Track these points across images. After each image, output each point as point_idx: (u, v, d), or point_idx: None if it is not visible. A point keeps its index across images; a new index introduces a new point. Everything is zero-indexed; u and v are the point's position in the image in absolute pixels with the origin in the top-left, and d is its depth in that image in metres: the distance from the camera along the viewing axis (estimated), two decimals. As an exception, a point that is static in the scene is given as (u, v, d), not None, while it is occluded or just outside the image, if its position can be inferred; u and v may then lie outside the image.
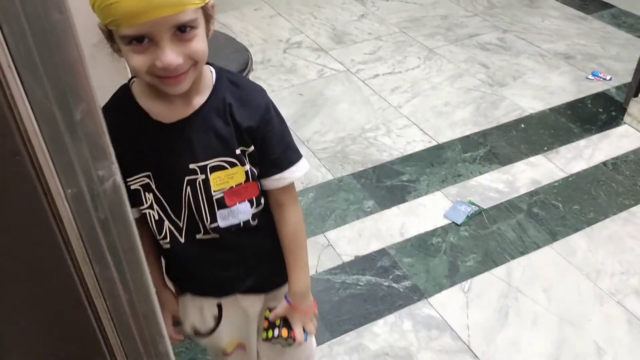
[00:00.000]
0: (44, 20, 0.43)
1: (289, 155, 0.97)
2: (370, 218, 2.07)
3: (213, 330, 1.09)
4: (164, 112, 0.89)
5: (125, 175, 0.89)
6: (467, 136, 2.48)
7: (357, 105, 2.70)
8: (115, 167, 0.53)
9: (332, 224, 2.04)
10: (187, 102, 0.89)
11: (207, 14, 0.83)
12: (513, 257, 1.90)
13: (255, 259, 1.04)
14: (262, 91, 0.96)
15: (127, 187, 0.90)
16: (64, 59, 0.45)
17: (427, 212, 2.09)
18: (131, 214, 0.57)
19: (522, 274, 1.84)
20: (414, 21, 3.41)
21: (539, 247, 1.93)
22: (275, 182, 0.97)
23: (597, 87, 2.75)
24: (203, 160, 0.90)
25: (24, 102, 0.47)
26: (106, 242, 0.56)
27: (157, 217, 0.94)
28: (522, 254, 1.91)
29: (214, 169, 0.91)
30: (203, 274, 1.03)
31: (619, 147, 2.37)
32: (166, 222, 0.95)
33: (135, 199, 0.92)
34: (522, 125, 2.53)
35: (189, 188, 0.91)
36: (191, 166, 0.90)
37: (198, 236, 0.96)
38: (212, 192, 0.92)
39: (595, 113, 2.58)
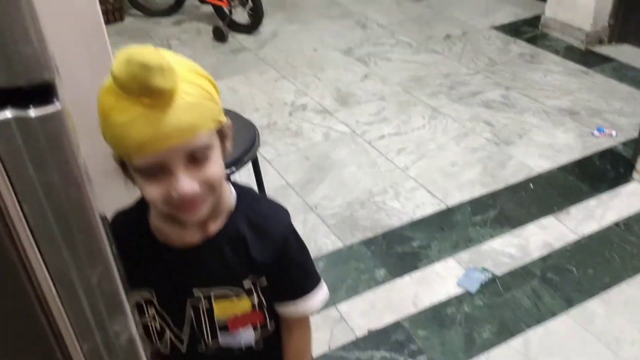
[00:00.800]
0: (62, 195, 0.44)
1: (305, 285, 0.93)
2: (383, 288, 2.05)
3: None
4: (175, 236, 0.87)
5: (130, 285, 0.87)
6: (477, 198, 2.47)
7: (364, 168, 2.71)
8: (131, 320, 0.53)
9: (344, 295, 2.01)
10: (201, 228, 0.86)
11: (223, 134, 0.80)
12: (529, 327, 1.86)
13: None
14: (280, 219, 0.91)
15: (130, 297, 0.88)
16: (80, 229, 0.46)
17: (440, 280, 2.07)
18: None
19: (539, 344, 1.80)
20: (417, 80, 3.46)
21: (555, 314, 1.90)
22: (287, 310, 0.94)
23: (604, 143, 2.76)
24: (208, 287, 0.88)
25: (42, 269, 0.47)
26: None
27: (158, 328, 0.93)
28: (539, 322, 1.87)
29: (219, 297, 0.88)
30: None
31: (629, 206, 2.35)
32: (167, 333, 0.93)
33: (139, 310, 0.91)
34: (531, 186, 2.52)
35: (191, 311, 0.90)
36: (195, 292, 0.88)
37: (200, 350, 0.93)
38: (215, 318, 0.90)
39: (603, 170, 2.58)
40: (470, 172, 2.64)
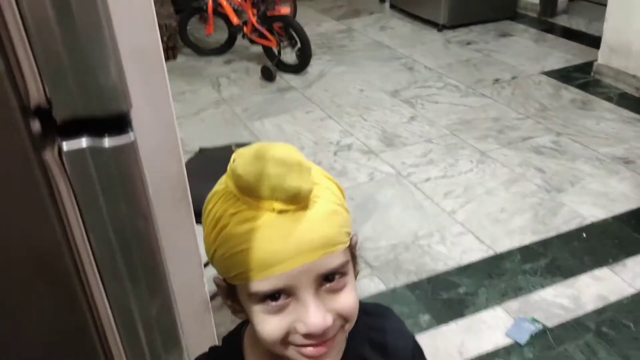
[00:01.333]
0: (129, 227, 0.44)
1: None
2: (427, 334, 1.98)
3: None
4: None
5: None
6: (527, 246, 2.39)
7: (410, 211, 2.67)
8: (186, 355, 0.52)
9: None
10: None
11: (353, 253, 0.66)
12: (584, 385, 1.76)
13: None
14: (406, 331, 0.79)
15: None
16: (144, 261, 0.46)
17: (487, 329, 1.99)
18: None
19: (595, 405, 1.70)
20: (465, 123, 3.43)
21: (612, 373, 1.79)
22: None
23: (662, 193, 2.65)
24: None
25: (103, 299, 0.47)
26: None
27: None
28: (594, 381, 1.77)
29: None
30: None
31: (691, 260, 2.23)
32: None
33: None
34: (584, 235, 2.43)
35: None
36: None
37: None
38: None
39: (661, 222, 2.47)
40: (520, 219, 2.56)
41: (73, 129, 0.39)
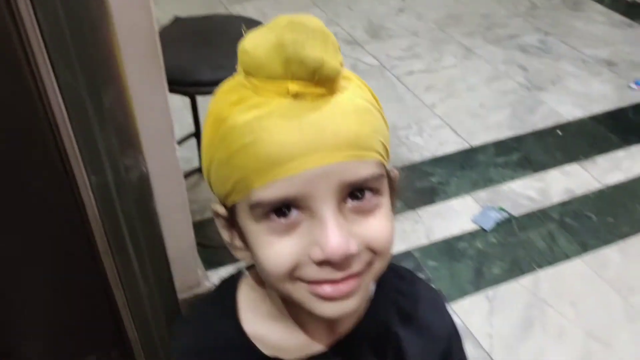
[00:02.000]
0: (80, 5, 0.41)
1: None
2: (397, 218, 2.03)
3: None
4: (288, 343, 0.55)
5: None
6: (502, 140, 2.42)
7: (391, 103, 2.65)
8: (142, 158, 0.52)
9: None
10: (329, 324, 0.55)
11: (392, 185, 0.52)
12: (541, 267, 1.84)
13: None
14: (443, 306, 0.65)
15: None
16: (97, 47, 0.44)
17: (456, 215, 2.05)
18: (155, 206, 0.56)
19: (549, 285, 1.79)
20: (453, 18, 3.34)
21: (568, 258, 1.88)
22: None
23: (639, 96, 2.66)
24: None
25: (53, 86, 0.45)
26: (129, 233, 0.54)
27: None
28: (551, 264, 1.86)
29: None
30: None
31: (659, 161, 2.28)
32: None
33: None
34: (559, 132, 2.46)
35: None
36: None
37: None
38: None
39: (636, 124, 2.49)
40: (498, 115, 2.57)
41: None
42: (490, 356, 1.60)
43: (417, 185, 2.19)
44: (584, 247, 1.91)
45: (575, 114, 2.56)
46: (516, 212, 2.06)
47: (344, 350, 0.55)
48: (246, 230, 0.47)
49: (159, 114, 1.14)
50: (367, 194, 0.46)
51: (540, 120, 2.52)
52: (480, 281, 1.80)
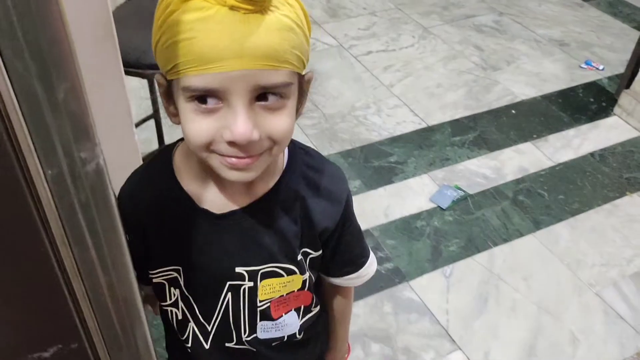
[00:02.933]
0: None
1: (364, 249, 0.83)
2: (356, 198, 2.06)
3: None
4: (214, 199, 0.69)
5: (150, 266, 0.73)
6: (458, 120, 2.46)
7: (349, 82, 2.66)
8: (99, 149, 0.51)
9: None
10: (247, 188, 0.68)
11: (302, 87, 0.64)
12: (496, 244, 1.91)
13: None
14: (343, 178, 0.77)
15: (150, 279, 0.74)
16: (48, 35, 0.43)
17: (413, 194, 2.09)
18: (113, 196, 0.55)
19: (503, 261, 1.85)
20: (411, -2, 3.36)
21: (522, 235, 1.94)
22: (348, 281, 0.82)
23: (590, 76, 2.74)
24: (255, 265, 0.71)
25: (3, 77, 0.44)
26: (86, 223, 0.53)
27: (180, 317, 0.77)
28: (505, 241, 1.92)
29: (266, 275, 0.72)
30: None
31: (607, 139, 2.37)
32: (191, 324, 0.77)
33: (157, 292, 0.77)
34: (513, 111, 2.52)
35: (229, 294, 0.73)
36: (238, 270, 0.71)
37: (228, 344, 0.78)
38: (258, 301, 0.73)
39: (586, 103, 2.58)
40: (455, 94, 2.61)
41: None
42: (447, 331, 1.65)
43: (376, 164, 2.22)
44: (537, 224, 1.98)
45: (529, 93, 2.63)
46: (472, 190, 2.11)
47: (261, 208, 0.69)
48: (177, 103, 0.60)
49: (115, 98, 1.11)
50: (275, 97, 0.58)
51: (495, 100, 2.58)
52: (437, 259, 1.85)
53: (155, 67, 1.55)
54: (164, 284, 0.74)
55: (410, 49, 2.93)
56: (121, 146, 1.16)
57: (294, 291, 0.75)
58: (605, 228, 1.98)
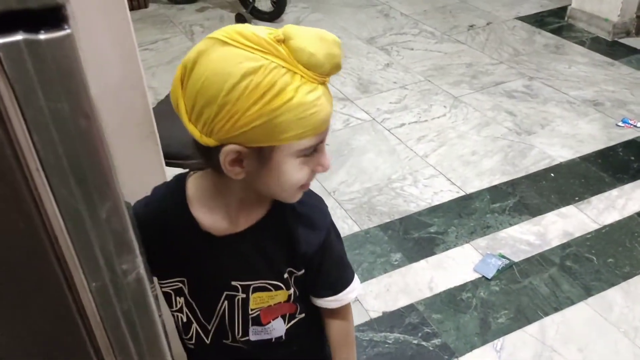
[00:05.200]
0: (72, 126, 0.44)
1: (344, 277, 0.92)
2: (398, 272, 2.04)
3: None
4: (216, 224, 0.82)
5: (158, 276, 0.87)
6: (496, 186, 2.45)
7: (384, 155, 2.70)
8: (139, 260, 0.54)
9: (359, 278, 2.00)
10: (245, 215, 0.82)
11: None
12: (546, 314, 1.84)
13: None
14: (324, 210, 0.89)
15: (160, 287, 0.89)
16: (91, 162, 0.47)
17: (456, 265, 2.05)
18: (153, 303, 0.58)
19: (556, 331, 1.78)
20: (439, 69, 3.43)
21: (573, 302, 1.87)
22: (327, 303, 0.93)
23: (628, 134, 2.71)
24: (247, 280, 0.85)
25: (51, 203, 0.48)
26: (129, 332, 0.56)
27: (185, 320, 0.91)
28: (556, 310, 1.85)
29: (257, 289, 0.86)
30: None
31: (653, 197, 2.31)
32: (194, 325, 0.91)
33: (165, 299, 0.90)
34: (552, 175, 2.49)
35: (226, 302, 0.87)
36: (233, 283, 0.85)
37: (225, 341, 0.92)
38: (250, 310, 0.87)
39: (626, 161, 2.53)
40: (491, 161, 2.61)
41: (8, 25, 0.40)
42: (502, 410, 1.57)
43: (415, 236, 2.21)
44: (588, 291, 1.91)
45: (566, 155, 2.60)
46: (516, 258, 2.06)
47: (255, 233, 0.82)
48: (280, 162, 0.72)
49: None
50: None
51: (532, 164, 2.56)
52: (486, 332, 1.79)
53: (191, 157, 1.60)
54: (171, 294, 0.88)
55: (443, 118, 2.97)
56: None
57: (280, 302, 0.88)
58: (661, 291, 1.89)
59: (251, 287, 0.85)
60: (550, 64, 3.38)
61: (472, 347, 1.74)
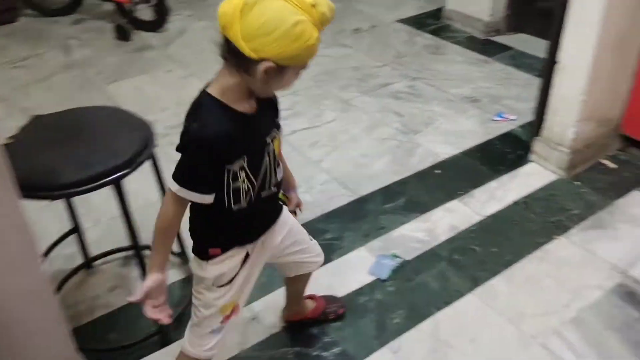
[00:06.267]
0: None
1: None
2: (296, 282, 2.03)
3: (234, 278, 1.36)
4: (247, 108, 1.19)
5: (230, 162, 1.18)
6: (387, 187, 2.52)
7: (277, 164, 2.69)
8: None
9: (257, 293, 1.98)
10: (252, 100, 1.20)
11: None
12: (439, 309, 1.91)
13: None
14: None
15: (230, 171, 1.19)
16: None
17: (353, 270, 2.09)
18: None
19: (448, 325, 1.86)
20: (328, 74, 3.48)
21: (462, 295, 1.96)
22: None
23: (503, 127, 2.89)
24: (270, 135, 1.27)
25: None
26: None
27: (246, 188, 1.23)
28: (447, 304, 1.93)
29: (273, 138, 1.28)
30: (260, 222, 1.38)
31: (528, 186, 2.47)
32: (250, 189, 1.24)
33: (234, 178, 1.20)
34: (437, 171, 2.60)
35: (266, 155, 1.25)
36: (266, 139, 1.25)
37: (263, 194, 1.29)
38: (275, 154, 1.29)
39: (503, 153, 2.70)
40: (381, 162, 2.68)
41: None
42: (402, 409, 1.61)
43: (313, 244, 2.21)
44: (474, 281, 2.01)
45: (450, 151, 2.73)
46: (409, 256, 2.13)
47: (261, 109, 1.22)
48: (287, 75, 1.12)
49: (14, 234, 1.08)
50: None
51: (419, 162, 2.66)
52: (383, 334, 1.83)
53: (64, 187, 1.49)
54: (237, 171, 1.19)
55: (334, 122, 3.01)
56: (27, 283, 1.11)
57: (279, 148, 1.32)
58: (539, 276, 2.03)
59: (273, 138, 1.27)
60: (431, 64, 3.53)
61: (370, 352, 1.77)
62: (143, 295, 1.21)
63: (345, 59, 3.65)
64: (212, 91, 1.15)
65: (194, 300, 1.38)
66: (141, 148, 1.56)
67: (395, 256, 2.12)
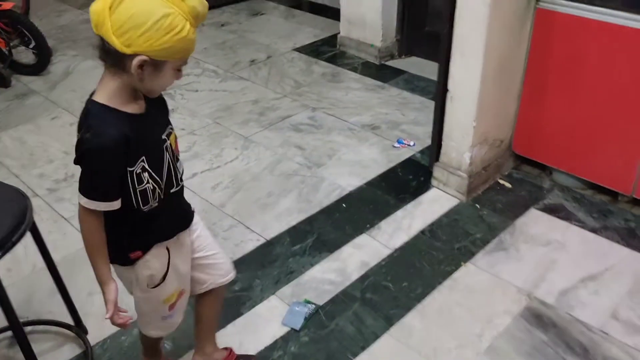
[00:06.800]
0: None
1: None
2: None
3: (165, 276, 1.40)
4: (137, 108, 1.22)
5: (130, 165, 1.21)
6: (294, 226, 2.46)
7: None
8: None
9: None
10: (140, 100, 1.24)
11: None
12: (355, 355, 1.86)
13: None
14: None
15: (132, 174, 1.22)
16: None
17: (264, 322, 2.00)
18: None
19: (366, 371, 1.81)
20: (226, 109, 3.39)
21: (377, 336, 1.93)
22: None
23: (404, 154, 2.92)
24: (165, 131, 1.30)
25: None
26: None
27: (152, 187, 1.26)
28: (363, 348, 1.89)
29: (169, 134, 1.31)
30: (173, 217, 1.41)
31: (432, 212, 2.50)
32: (157, 190, 1.28)
33: (139, 180, 1.23)
34: (344, 205, 2.58)
35: (165, 153, 1.29)
36: (163, 136, 1.29)
37: (172, 190, 1.34)
38: (172, 149, 1.32)
39: (406, 181, 2.72)
40: (287, 200, 2.62)
41: None
42: None
43: (222, 296, 2.10)
44: (389, 320, 1.98)
45: (354, 183, 2.71)
46: (321, 300, 2.08)
47: (150, 107, 1.26)
48: (165, 71, 1.16)
49: None
50: None
51: (325, 197, 2.63)
52: (301, 390, 1.75)
53: None
54: (140, 172, 1.22)
55: (235, 161, 2.92)
56: None
57: (176, 141, 1.36)
58: (450, 306, 2.04)
59: (168, 134, 1.31)
60: (330, 92, 3.54)
61: (289, 411, 1.69)
62: (114, 305, 1.29)
63: (243, 93, 3.58)
64: (99, 98, 1.18)
65: (136, 306, 1.48)
66: (19, 222, 1.41)
67: (308, 302, 2.06)
